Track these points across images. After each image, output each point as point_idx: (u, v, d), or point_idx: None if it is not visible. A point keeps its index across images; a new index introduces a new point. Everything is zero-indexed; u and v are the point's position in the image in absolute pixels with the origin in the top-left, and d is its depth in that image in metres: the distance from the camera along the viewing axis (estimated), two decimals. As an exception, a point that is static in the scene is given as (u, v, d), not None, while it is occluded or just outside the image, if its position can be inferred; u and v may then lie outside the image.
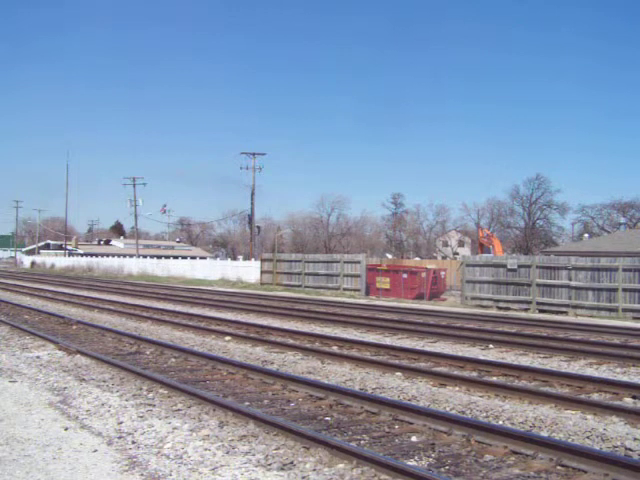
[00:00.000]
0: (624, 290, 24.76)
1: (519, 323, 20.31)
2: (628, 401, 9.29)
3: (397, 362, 12.10)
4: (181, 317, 20.45)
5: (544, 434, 7.32)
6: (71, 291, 33.17)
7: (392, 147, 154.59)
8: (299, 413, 8.22)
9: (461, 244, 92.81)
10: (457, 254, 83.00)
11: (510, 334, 16.91)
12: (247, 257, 61.82)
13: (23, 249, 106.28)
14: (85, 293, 31.82)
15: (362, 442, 6.98)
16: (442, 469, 6.14)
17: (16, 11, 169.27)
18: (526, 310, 27.10)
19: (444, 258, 77.50)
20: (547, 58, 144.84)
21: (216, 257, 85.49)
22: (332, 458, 6.22)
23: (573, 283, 26.18)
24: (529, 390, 9.45)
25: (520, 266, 28.09)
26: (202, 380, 10.27)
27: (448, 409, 8.52)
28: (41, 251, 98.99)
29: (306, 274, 39.18)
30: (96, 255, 75.72)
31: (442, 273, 36.39)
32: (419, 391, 9.59)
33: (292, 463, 6.16)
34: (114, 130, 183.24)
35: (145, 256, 68.00)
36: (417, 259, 60.44)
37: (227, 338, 15.44)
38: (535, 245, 74.72)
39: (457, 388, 9.91)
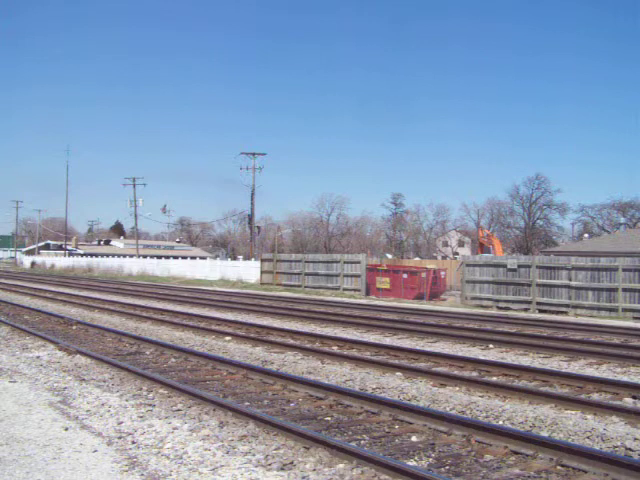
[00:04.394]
0: (624, 290, 24.76)
1: (519, 323, 20.31)
2: (628, 401, 9.29)
3: (397, 362, 12.10)
4: (181, 317, 20.45)
5: (544, 434, 7.32)
6: (71, 291, 33.17)
7: (392, 146, 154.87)
8: (299, 413, 8.22)
9: (461, 244, 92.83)
10: (457, 254, 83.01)
11: (510, 334, 16.91)
12: (247, 257, 61.83)
13: (23, 249, 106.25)
14: (85, 293, 31.83)
15: (362, 442, 6.98)
16: (442, 469, 6.14)
17: (17, 9, 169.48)
18: (526, 310, 27.10)
19: (444, 258, 77.50)
20: (547, 56, 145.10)
21: (216, 257, 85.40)
22: (332, 458, 6.22)
23: (573, 283, 26.17)
24: (529, 390, 9.45)
25: (520, 266, 28.09)
26: (202, 380, 10.27)
27: (448, 409, 8.51)
28: (41, 251, 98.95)
29: (306, 274, 39.18)
30: (96, 255, 75.71)
31: (442, 273, 36.37)
32: (419, 391, 9.58)
33: (292, 463, 6.16)
34: (114, 130, 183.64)
35: (145, 256, 67.98)
36: (417, 259, 60.43)
37: (227, 338, 15.44)
38: (535, 245, 74.74)
39: (457, 388, 9.91)
